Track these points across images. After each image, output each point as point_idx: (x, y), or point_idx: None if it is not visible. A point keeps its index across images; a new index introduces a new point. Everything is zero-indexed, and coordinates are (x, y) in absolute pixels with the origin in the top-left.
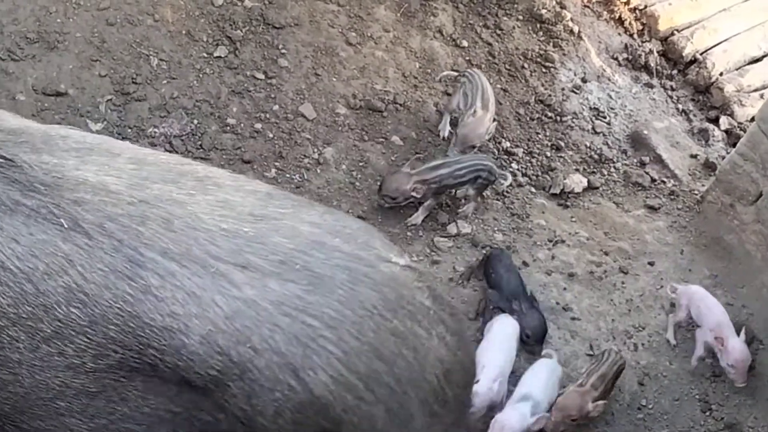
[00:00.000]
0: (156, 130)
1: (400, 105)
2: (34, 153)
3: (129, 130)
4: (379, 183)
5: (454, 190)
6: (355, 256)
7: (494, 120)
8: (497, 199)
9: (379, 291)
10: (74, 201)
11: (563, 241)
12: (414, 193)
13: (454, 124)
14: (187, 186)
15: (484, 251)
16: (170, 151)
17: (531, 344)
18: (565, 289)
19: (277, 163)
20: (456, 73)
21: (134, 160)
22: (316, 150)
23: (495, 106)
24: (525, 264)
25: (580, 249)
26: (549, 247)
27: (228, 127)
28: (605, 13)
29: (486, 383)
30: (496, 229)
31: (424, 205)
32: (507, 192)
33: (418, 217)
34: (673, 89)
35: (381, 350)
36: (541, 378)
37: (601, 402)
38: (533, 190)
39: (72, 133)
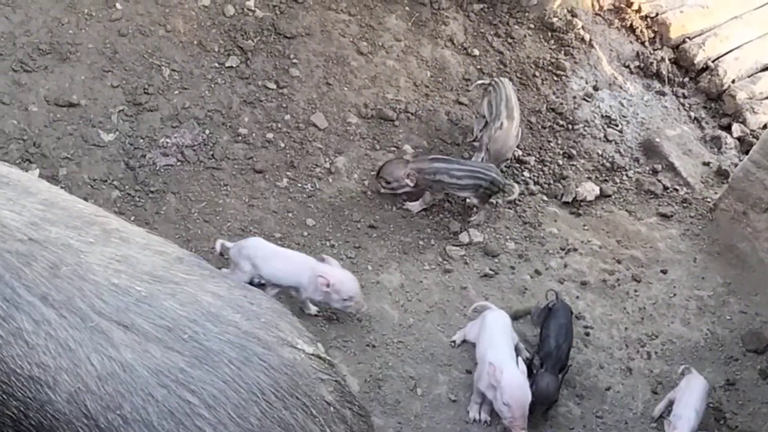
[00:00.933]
0: (168, 140)
1: (412, 114)
2: None
3: (141, 140)
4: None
5: (457, 196)
6: (253, 335)
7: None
8: (509, 208)
9: (272, 376)
10: None
11: (576, 250)
12: (408, 180)
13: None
14: (90, 235)
15: (549, 301)
16: (182, 161)
17: (537, 405)
18: (577, 297)
19: (288, 173)
20: (487, 82)
21: (47, 203)
22: (327, 159)
23: (519, 112)
24: (537, 272)
25: (592, 257)
26: (561, 256)
27: (240, 137)
28: (616, 21)
29: (512, 371)
30: (508, 237)
31: (423, 197)
32: (519, 200)
33: (415, 206)
34: (685, 97)
35: None
36: None
37: None
38: (545, 198)
39: (2, 169)
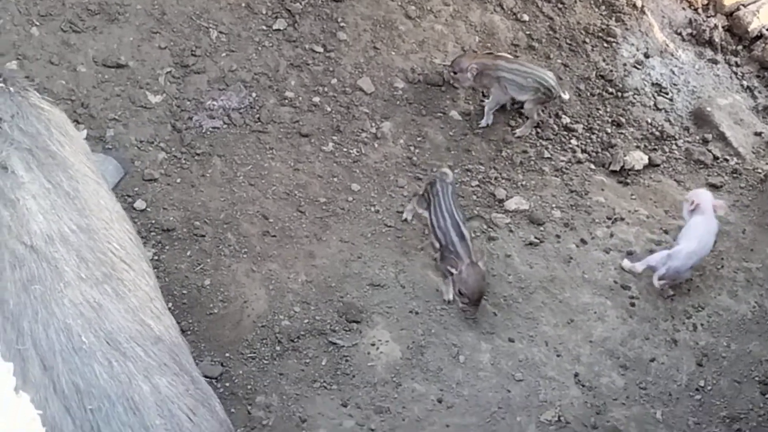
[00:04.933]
0: (214, 102)
1: None
2: None
3: (188, 103)
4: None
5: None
6: None
7: None
8: (556, 176)
9: None
10: None
11: (622, 219)
12: (468, 73)
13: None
14: (89, 271)
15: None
16: (228, 124)
17: None
18: (622, 266)
19: (334, 137)
20: None
21: (84, 227)
22: (373, 124)
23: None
24: (583, 242)
25: (639, 227)
26: (608, 225)
27: (286, 101)
28: None
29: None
30: (554, 205)
31: (488, 104)
32: (566, 168)
33: (483, 121)
34: (737, 65)
35: None
36: None
37: None
38: (593, 166)
39: (82, 181)
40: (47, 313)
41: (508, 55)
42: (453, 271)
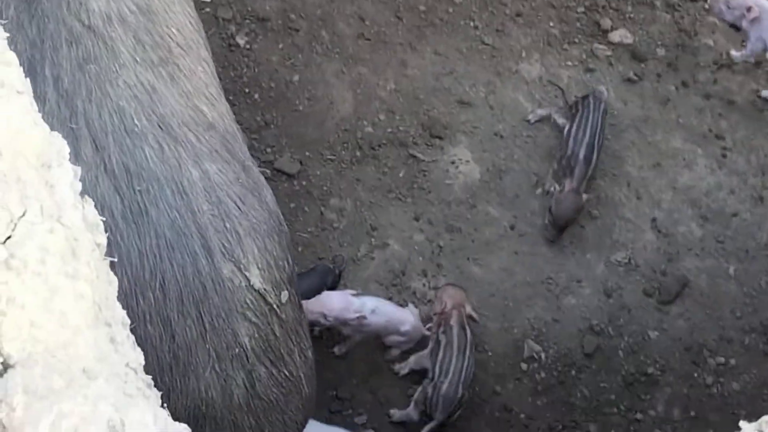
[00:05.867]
0: None
1: None
2: None
3: None
4: None
5: None
6: (202, 232)
7: None
8: (667, 12)
9: (186, 276)
10: None
11: (729, 66)
12: None
13: None
14: (145, 55)
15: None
16: None
17: None
18: (720, 115)
19: None
20: None
21: (145, 9)
22: None
23: None
24: (684, 84)
25: (745, 75)
26: (712, 70)
27: None
28: None
29: None
30: (660, 43)
31: None
32: (679, 5)
33: None
34: None
35: None
36: None
37: None
38: (707, 6)
39: None
40: (101, 94)
41: None
42: (556, 186)
